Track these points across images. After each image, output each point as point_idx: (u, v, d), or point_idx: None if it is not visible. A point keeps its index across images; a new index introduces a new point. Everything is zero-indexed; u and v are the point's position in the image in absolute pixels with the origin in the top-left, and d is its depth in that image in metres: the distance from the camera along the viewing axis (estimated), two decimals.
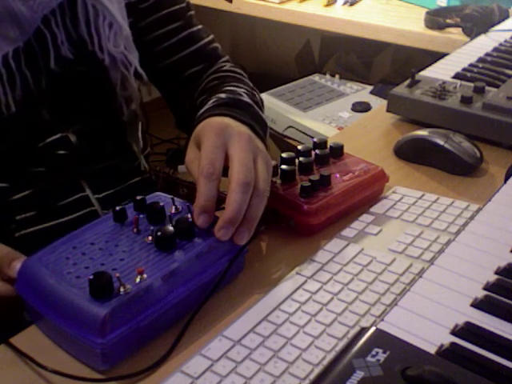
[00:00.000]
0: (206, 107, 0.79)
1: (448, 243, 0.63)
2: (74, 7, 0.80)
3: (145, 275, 0.55)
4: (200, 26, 0.97)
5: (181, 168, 2.29)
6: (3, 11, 0.74)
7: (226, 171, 0.64)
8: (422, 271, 0.58)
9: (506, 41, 1.21)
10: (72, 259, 0.58)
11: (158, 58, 0.93)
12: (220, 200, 0.63)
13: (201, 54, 0.95)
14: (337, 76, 1.93)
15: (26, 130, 0.80)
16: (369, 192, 0.75)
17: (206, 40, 0.96)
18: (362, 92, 1.84)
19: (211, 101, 0.81)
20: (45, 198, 0.81)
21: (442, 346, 0.47)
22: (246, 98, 0.83)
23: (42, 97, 0.80)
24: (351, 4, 1.81)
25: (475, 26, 1.43)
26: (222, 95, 0.82)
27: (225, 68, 0.96)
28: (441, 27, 1.57)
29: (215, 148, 0.64)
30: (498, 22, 1.38)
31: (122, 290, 0.53)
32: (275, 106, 1.78)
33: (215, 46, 0.98)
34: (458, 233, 0.63)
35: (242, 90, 0.87)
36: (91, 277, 0.53)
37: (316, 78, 1.95)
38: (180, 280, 0.57)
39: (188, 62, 0.95)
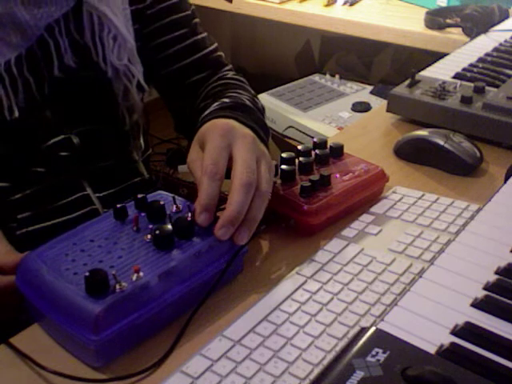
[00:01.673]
0: (210, 109, 0.79)
1: (448, 243, 0.63)
2: (79, 17, 0.80)
3: (141, 273, 0.55)
4: (204, 34, 0.97)
5: (181, 168, 2.29)
6: (6, 17, 0.75)
7: (228, 173, 0.64)
8: (422, 271, 0.58)
9: (506, 41, 1.21)
10: (71, 256, 0.58)
11: (163, 64, 0.93)
12: (221, 200, 0.63)
13: (205, 62, 0.95)
14: (337, 76, 1.93)
15: (30, 132, 0.81)
16: (369, 192, 0.75)
17: (211, 48, 0.96)
18: (362, 92, 1.84)
19: (215, 104, 0.81)
20: (46, 197, 0.82)
21: (442, 345, 0.47)
22: (249, 103, 0.84)
23: (45, 101, 0.80)
24: (351, 4, 1.81)
25: (475, 26, 1.43)
26: (226, 100, 0.82)
27: (228, 76, 0.96)
28: (441, 27, 1.57)
29: (219, 149, 0.64)
30: (498, 22, 1.38)
31: (117, 287, 0.54)
32: (275, 106, 1.78)
33: (219, 55, 0.98)
34: (458, 233, 0.63)
35: (245, 96, 0.87)
36: (87, 274, 0.53)
37: (316, 77, 1.95)
38: (177, 279, 0.57)
39: (192, 70, 0.95)
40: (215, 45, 0.98)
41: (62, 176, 0.83)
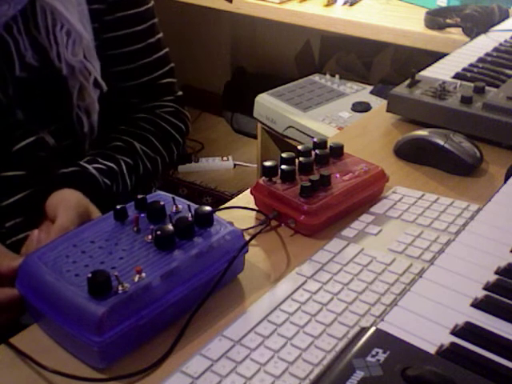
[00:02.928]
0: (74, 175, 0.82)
1: (448, 243, 0.63)
2: (36, 13, 0.78)
3: (143, 274, 0.55)
4: (157, 55, 0.94)
5: (181, 168, 2.29)
6: None
7: None
8: (422, 271, 0.58)
9: (506, 41, 1.21)
10: (72, 257, 0.58)
11: (107, 77, 0.89)
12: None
13: (147, 88, 0.94)
14: (337, 76, 1.93)
15: (0, 134, 0.79)
16: (369, 192, 0.75)
17: (158, 73, 0.95)
18: (362, 92, 1.84)
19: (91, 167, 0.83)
20: (31, 203, 0.81)
21: (442, 345, 0.47)
22: (106, 183, 0.83)
23: (12, 102, 0.79)
24: (351, 4, 1.80)
25: (475, 26, 1.43)
26: (93, 171, 0.83)
27: (157, 112, 0.94)
28: (441, 27, 1.57)
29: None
30: (498, 22, 1.38)
31: (120, 288, 0.54)
32: (275, 106, 1.78)
33: (165, 82, 0.96)
34: (457, 233, 0.63)
35: (124, 164, 0.87)
36: (89, 275, 0.53)
37: (316, 77, 1.95)
38: (179, 279, 0.57)
39: (132, 92, 0.94)
40: (167, 68, 0.96)
41: (44, 179, 0.82)
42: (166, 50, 0.97)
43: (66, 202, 0.73)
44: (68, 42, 0.80)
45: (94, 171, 0.82)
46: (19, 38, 0.78)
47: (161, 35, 0.95)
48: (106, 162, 0.84)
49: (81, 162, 0.83)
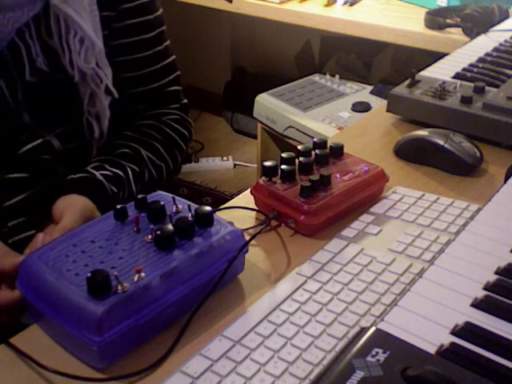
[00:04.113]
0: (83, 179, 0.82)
1: (448, 243, 0.63)
2: (49, 20, 0.79)
3: (143, 274, 0.55)
4: (164, 63, 0.94)
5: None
6: None
7: None
8: (422, 271, 0.58)
9: (506, 41, 1.21)
10: (72, 257, 0.58)
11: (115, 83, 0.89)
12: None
13: (154, 95, 0.94)
14: (337, 76, 1.93)
15: (8, 137, 0.79)
16: (369, 192, 0.75)
17: (165, 80, 0.95)
18: (362, 92, 1.84)
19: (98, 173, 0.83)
20: (35, 203, 0.81)
21: (442, 345, 0.47)
22: (114, 190, 0.83)
23: (20, 105, 0.79)
24: (351, 4, 1.80)
25: (475, 26, 1.43)
26: (101, 178, 0.82)
27: (163, 119, 0.94)
28: (441, 27, 1.57)
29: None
30: (498, 22, 1.38)
31: (119, 288, 0.54)
32: (275, 106, 1.78)
33: (172, 90, 0.96)
34: (458, 233, 0.63)
35: (130, 172, 0.86)
36: (89, 275, 0.53)
37: (316, 77, 1.95)
38: (179, 279, 0.57)
39: (139, 98, 0.93)
40: (174, 75, 0.96)
41: (47, 180, 0.82)
42: (173, 57, 0.97)
43: (72, 206, 0.74)
44: (81, 50, 0.80)
45: (101, 178, 0.82)
46: (31, 43, 0.78)
47: (168, 42, 0.95)
48: (113, 169, 0.84)
49: (88, 168, 0.83)
